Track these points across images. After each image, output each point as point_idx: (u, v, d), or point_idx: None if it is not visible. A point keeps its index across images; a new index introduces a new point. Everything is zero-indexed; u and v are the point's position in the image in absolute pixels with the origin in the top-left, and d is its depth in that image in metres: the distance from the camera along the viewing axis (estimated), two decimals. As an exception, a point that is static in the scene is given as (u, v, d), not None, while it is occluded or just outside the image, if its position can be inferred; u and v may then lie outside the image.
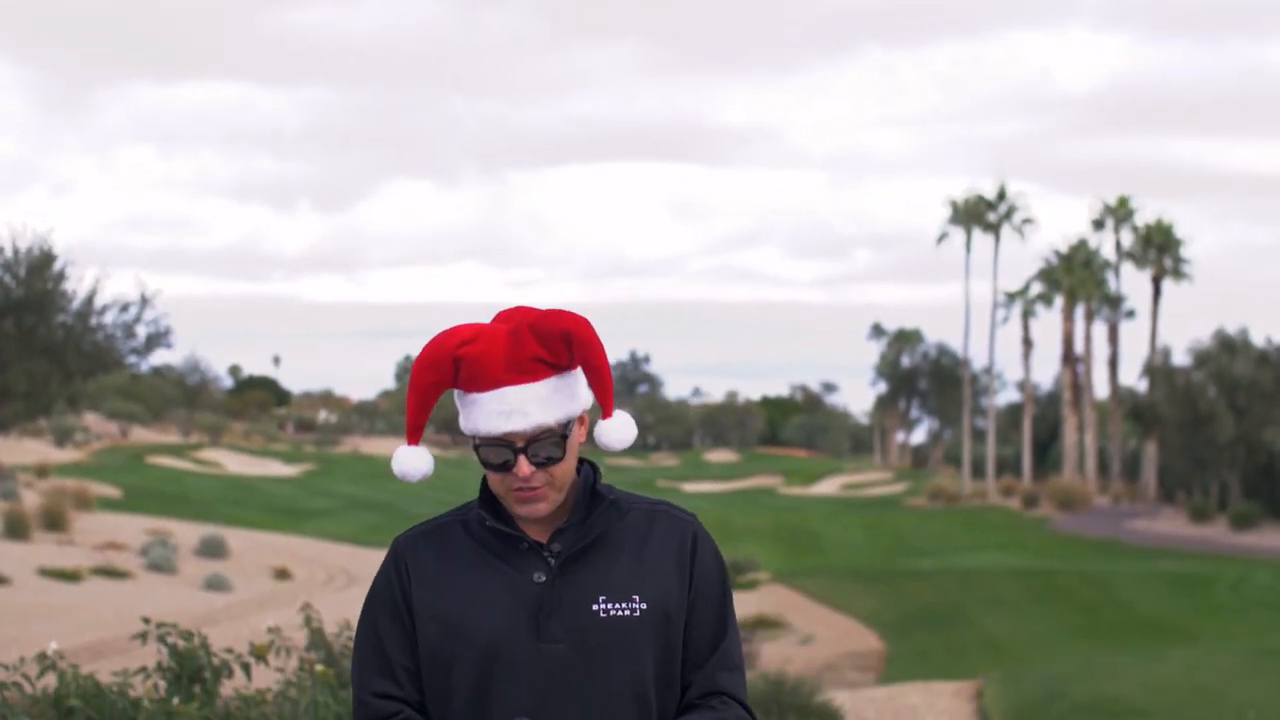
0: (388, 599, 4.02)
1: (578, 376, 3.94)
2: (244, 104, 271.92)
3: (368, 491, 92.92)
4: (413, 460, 4.00)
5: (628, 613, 3.91)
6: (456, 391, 3.97)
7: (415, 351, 4.04)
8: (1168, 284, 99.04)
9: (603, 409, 3.95)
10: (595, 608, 3.90)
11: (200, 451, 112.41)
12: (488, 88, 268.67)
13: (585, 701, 3.87)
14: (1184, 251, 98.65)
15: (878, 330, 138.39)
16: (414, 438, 4.00)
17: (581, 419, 3.98)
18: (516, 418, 3.85)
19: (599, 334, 3.89)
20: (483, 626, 3.89)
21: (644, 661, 3.91)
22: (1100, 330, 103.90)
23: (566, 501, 3.97)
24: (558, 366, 3.89)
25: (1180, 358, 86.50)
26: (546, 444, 3.88)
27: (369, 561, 57.22)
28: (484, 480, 3.99)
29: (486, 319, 3.95)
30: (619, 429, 3.95)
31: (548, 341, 3.87)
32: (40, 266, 38.66)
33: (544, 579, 3.91)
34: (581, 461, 4.04)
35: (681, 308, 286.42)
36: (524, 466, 3.86)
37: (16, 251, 38.43)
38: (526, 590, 3.91)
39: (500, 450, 3.88)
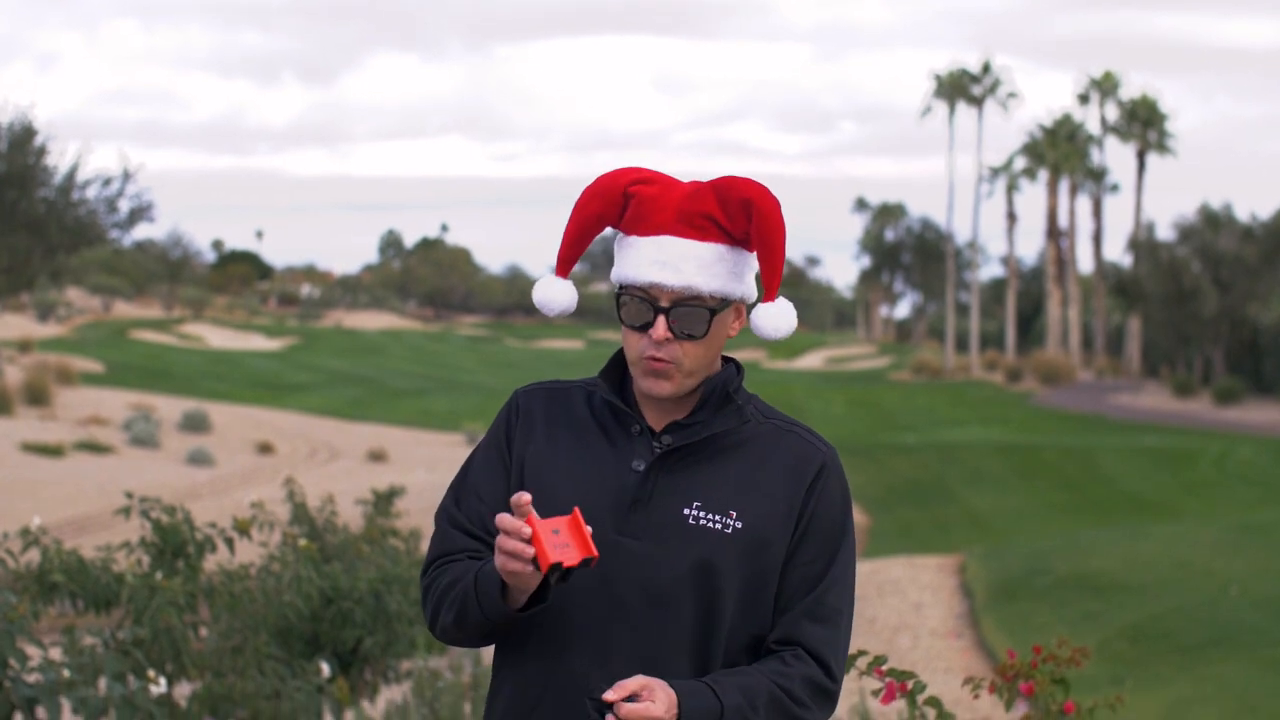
0: (493, 438, 3.77)
1: (749, 260, 3.66)
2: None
3: (350, 366, 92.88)
4: (554, 290, 3.73)
5: (719, 527, 3.58)
6: (617, 236, 3.70)
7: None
8: (1152, 158, 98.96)
9: (765, 291, 3.65)
10: (686, 512, 3.59)
11: (183, 326, 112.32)
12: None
13: (645, 601, 3.57)
14: (1169, 126, 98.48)
15: (861, 204, 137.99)
16: (563, 269, 3.73)
17: (738, 310, 3.68)
18: (669, 270, 3.57)
19: (784, 216, 3.60)
20: (561, 500, 3.58)
21: (723, 581, 3.58)
22: (1084, 204, 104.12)
23: (695, 394, 3.67)
24: (730, 235, 3.61)
25: (1164, 232, 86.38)
26: (691, 314, 3.58)
27: (352, 435, 57.28)
28: (614, 354, 3.73)
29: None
30: (778, 315, 3.65)
31: (726, 204, 3.59)
32: (22, 141, 38.45)
33: (642, 468, 3.63)
34: (728, 361, 3.76)
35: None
36: (660, 328, 3.57)
37: (-2, 126, 38.21)
38: (621, 476, 3.63)
39: (642, 306, 3.60)
